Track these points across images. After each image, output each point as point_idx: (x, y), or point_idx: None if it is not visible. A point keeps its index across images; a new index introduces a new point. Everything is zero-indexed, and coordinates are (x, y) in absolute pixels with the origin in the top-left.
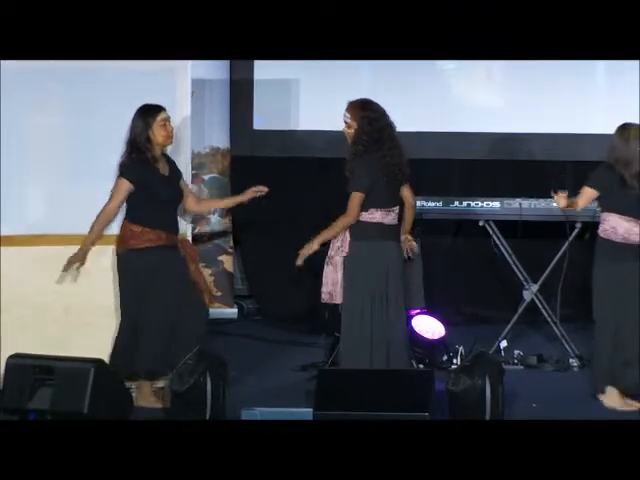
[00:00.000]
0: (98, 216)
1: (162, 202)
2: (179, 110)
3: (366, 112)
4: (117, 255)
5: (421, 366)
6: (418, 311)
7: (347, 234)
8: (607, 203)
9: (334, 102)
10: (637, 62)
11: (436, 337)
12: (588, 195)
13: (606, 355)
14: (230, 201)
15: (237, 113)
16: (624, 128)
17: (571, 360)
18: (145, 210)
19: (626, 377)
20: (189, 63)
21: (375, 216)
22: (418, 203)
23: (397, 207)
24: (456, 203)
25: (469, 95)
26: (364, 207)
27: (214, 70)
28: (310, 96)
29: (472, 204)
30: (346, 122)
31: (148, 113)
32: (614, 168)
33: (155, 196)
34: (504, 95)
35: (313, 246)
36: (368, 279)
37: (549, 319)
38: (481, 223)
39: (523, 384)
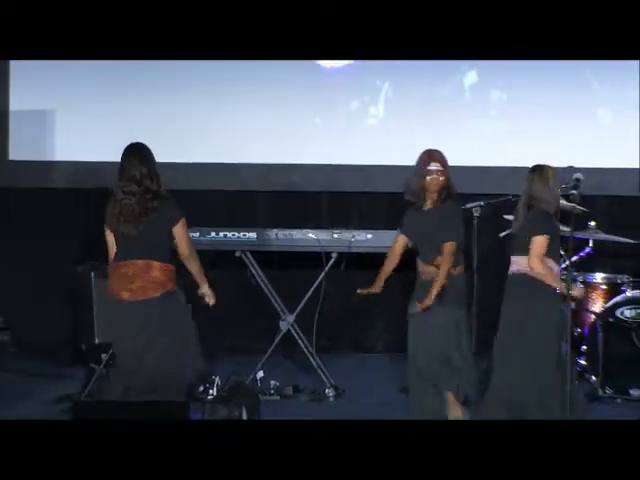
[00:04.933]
0: None
1: None
2: None
3: None
4: None
5: None
6: None
7: None
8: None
9: (91, 132)
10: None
11: None
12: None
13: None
14: None
15: None
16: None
17: (327, 390)
18: None
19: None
20: None
21: None
22: None
23: None
24: (212, 234)
25: (226, 126)
26: None
27: None
28: (66, 126)
29: (229, 235)
30: None
31: None
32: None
33: None
34: (260, 124)
35: None
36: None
37: (305, 349)
38: (238, 254)
39: (279, 414)
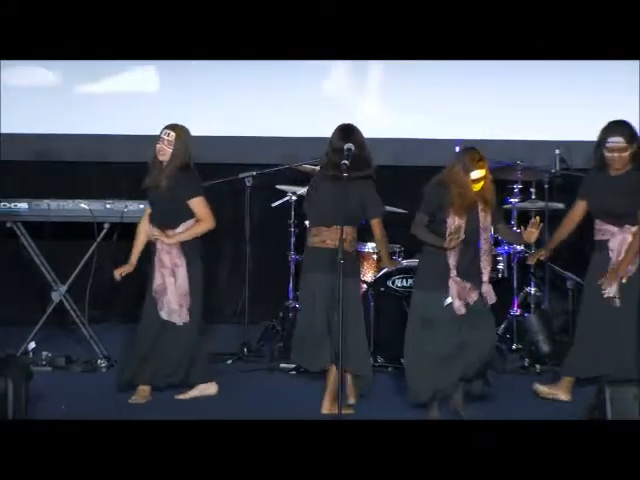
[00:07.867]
0: None
1: None
2: None
3: None
4: None
5: None
6: None
7: None
8: None
9: None
10: None
11: None
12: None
13: None
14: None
15: None
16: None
17: (99, 361)
18: None
19: None
20: None
21: None
22: None
23: None
24: None
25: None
26: None
27: None
28: None
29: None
30: None
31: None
32: None
33: None
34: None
35: None
36: None
37: (77, 320)
38: (9, 224)
39: (52, 385)
